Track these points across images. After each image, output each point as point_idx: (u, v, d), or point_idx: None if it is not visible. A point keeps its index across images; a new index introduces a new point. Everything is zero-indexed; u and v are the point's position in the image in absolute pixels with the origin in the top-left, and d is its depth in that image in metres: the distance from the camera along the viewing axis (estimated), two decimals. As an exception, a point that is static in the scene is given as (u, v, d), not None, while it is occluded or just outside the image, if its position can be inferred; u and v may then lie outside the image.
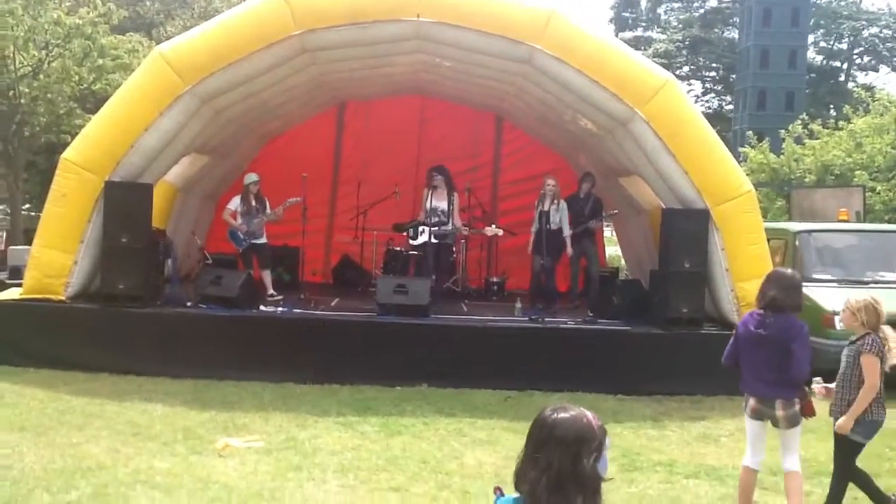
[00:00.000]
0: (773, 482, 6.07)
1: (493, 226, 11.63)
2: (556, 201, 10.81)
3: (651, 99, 8.90)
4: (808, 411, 5.24)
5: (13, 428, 6.64)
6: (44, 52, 17.94)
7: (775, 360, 5.13)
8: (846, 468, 5.31)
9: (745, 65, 54.84)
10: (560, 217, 10.76)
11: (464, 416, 7.51)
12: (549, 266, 10.84)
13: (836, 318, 9.17)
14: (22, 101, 17.99)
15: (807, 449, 6.90)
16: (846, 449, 5.27)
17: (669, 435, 7.31)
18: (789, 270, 5.58)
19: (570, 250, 10.93)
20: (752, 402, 5.34)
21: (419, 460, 6.25)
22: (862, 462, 6.52)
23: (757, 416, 5.34)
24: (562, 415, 2.31)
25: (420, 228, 11.13)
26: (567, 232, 10.83)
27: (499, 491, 2.47)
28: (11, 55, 17.51)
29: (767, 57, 53.93)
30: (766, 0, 53.84)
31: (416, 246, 11.26)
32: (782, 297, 5.13)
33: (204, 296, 9.45)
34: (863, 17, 55.23)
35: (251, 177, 10.78)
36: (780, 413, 5.22)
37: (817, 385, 5.35)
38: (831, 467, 6.35)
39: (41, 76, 17.96)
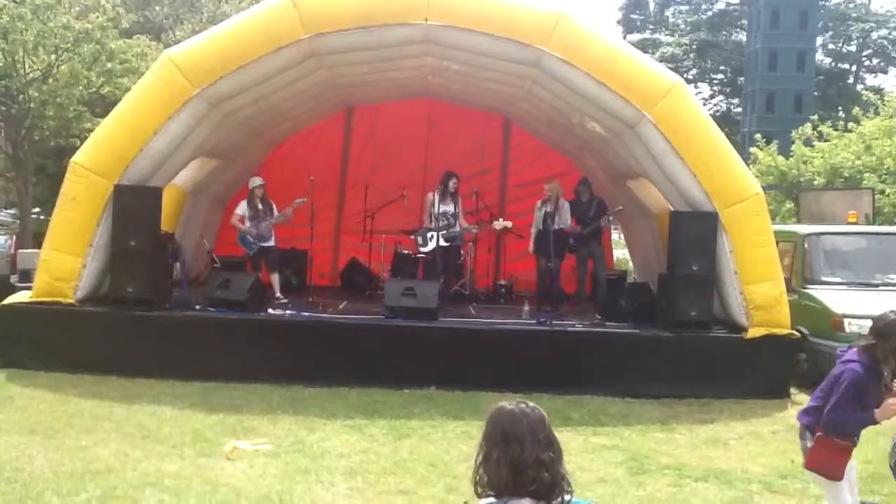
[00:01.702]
0: (781, 485, 6.06)
1: (501, 219, 11.66)
2: (559, 203, 10.89)
3: (659, 102, 8.89)
4: (809, 460, 4.49)
5: (23, 431, 6.67)
6: (53, 57, 17.99)
7: (824, 388, 4.49)
8: None
9: (754, 67, 54.72)
10: (565, 218, 10.87)
11: (472, 419, 7.50)
12: (555, 268, 10.86)
13: (846, 322, 9.16)
14: (31, 105, 18.05)
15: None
16: None
17: (678, 438, 7.29)
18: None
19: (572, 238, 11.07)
20: None
21: (427, 463, 6.25)
22: (871, 465, 6.53)
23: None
24: (528, 404, 2.59)
25: (430, 234, 11.13)
26: (568, 223, 10.94)
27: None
28: (21, 60, 17.59)
29: (776, 59, 53.80)
30: (774, 2, 53.71)
31: (425, 251, 11.28)
32: (878, 341, 4.42)
33: (212, 299, 9.47)
34: (871, 20, 55.03)
35: (256, 180, 10.80)
36: (807, 444, 4.57)
37: None
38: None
39: (50, 80, 18.03)
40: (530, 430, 2.53)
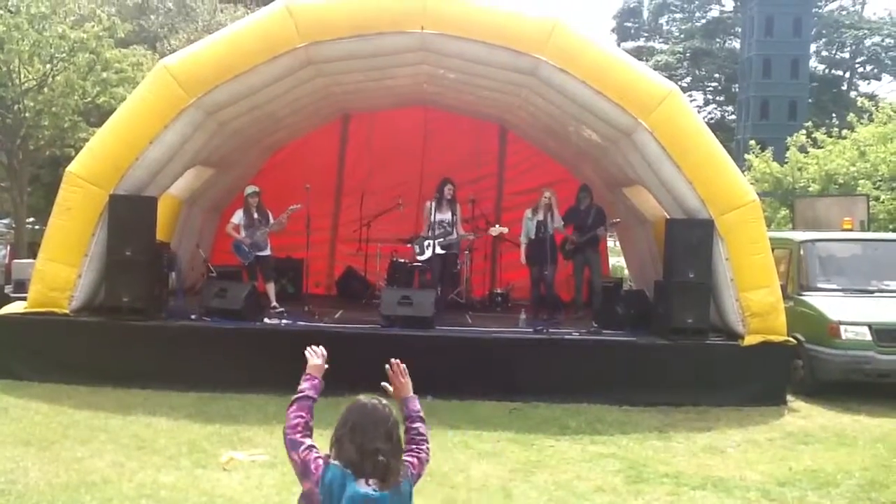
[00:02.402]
0: (779, 493, 6.04)
1: (497, 225, 11.65)
2: (551, 211, 10.85)
3: (655, 109, 8.90)
4: None
5: (18, 442, 6.64)
6: (49, 66, 17.98)
7: None
8: None
9: (748, 74, 54.89)
10: (555, 226, 10.83)
11: (469, 429, 7.49)
12: (550, 275, 10.83)
13: (842, 328, 9.16)
14: (26, 114, 18.04)
15: (814, 460, 6.89)
16: None
17: (675, 446, 7.28)
18: None
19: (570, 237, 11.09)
20: None
21: (424, 473, 6.21)
22: (869, 472, 6.53)
23: None
24: (381, 402, 3.09)
25: (426, 243, 11.12)
26: (559, 224, 10.89)
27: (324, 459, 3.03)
28: (17, 69, 17.58)
29: (770, 66, 53.97)
30: (767, 9, 53.90)
31: (422, 259, 11.26)
32: None
33: (208, 308, 9.45)
34: (864, 27, 55.29)
35: (249, 188, 10.78)
36: None
37: None
38: (839, 478, 6.36)
39: (46, 90, 18.01)
40: (373, 423, 2.99)
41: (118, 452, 6.45)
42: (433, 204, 11.24)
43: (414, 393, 8.83)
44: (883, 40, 55.15)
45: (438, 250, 11.09)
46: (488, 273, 13.55)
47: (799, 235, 10.96)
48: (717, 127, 51.72)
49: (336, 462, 2.97)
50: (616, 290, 12.25)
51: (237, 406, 8.02)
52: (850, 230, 11.97)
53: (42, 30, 17.12)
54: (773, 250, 9.30)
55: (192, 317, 9.44)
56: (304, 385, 3.36)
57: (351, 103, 12.47)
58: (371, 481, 2.91)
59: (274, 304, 10.45)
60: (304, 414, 3.22)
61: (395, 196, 12.61)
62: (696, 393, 8.74)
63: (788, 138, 24.81)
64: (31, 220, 21.09)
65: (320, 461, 3.01)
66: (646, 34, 63.60)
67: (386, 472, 2.94)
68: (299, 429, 3.16)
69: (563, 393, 8.61)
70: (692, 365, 8.89)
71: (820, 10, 57.56)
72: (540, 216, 10.85)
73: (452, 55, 9.51)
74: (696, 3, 61.47)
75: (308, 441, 3.10)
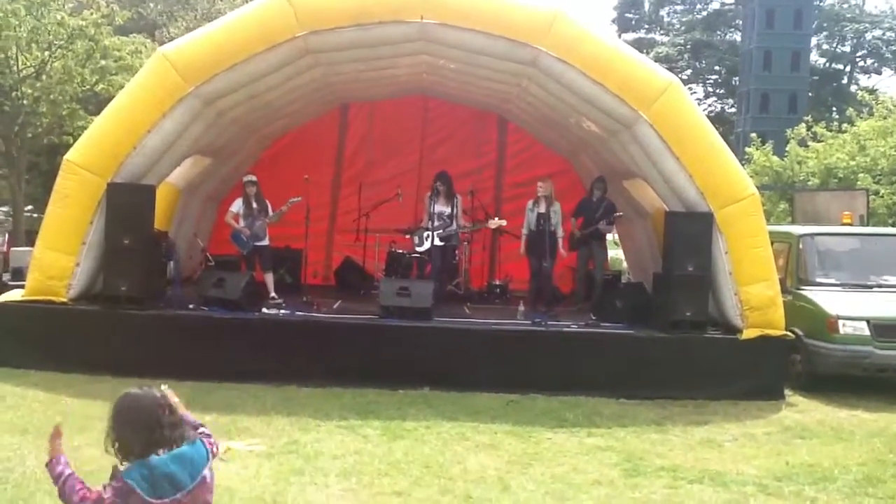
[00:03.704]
0: (776, 487, 6.04)
1: (497, 218, 11.59)
2: (552, 203, 10.75)
3: (655, 101, 8.87)
4: None
5: (15, 430, 6.63)
6: (47, 53, 17.95)
7: None
8: None
9: (748, 67, 54.81)
10: (556, 220, 10.72)
11: (466, 420, 7.48)
12: (549, 267, 10.77)
13: (841, 323, 9.16)
14: (24, 102, 18.00)
15: (811, 454, 6.89)
16: None
17: (673, 439, 7.27)
18: None
19: (563, 252, 10.93)
20: None
21: (422, 464, 6.22)
22: (866, 467, 6.53)
23: None
24: (144, 388, 3.18)
25: (425, 234, 11.08)
26: (560, 234, 10.81)
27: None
28: (14, 56, 17.53)
29: (770, 59, 53.90)
30: (768, 2, 53.80)
31: (421, 251, 11.23)
32: None
33: (206, 298, 9.43)
34: (866, 20, 55.18)
35: (248, 177, 10.74)
36: None
37: None
38: (836, 472, 6.36)
39: (44, 77, 17.98)
40: (154, 405, 3.09)
41: (115, 441, 6.43)
42: (431, 197, 11.20)
43: (412, 384, 8.86)
44: (884, 34, 55.03)
45: (437, 242, 11.06)
46: (487, 264, 13.52)
47: (798, 229, 10.95)
48: (718, 120, 51.71)
49: (126, 464, 3.02)
50: (615, 283, 12.21)
51: (235, 396, 8.01)
52: (850, 224, 11.95)
53: (40, 16, 17.09)
54: (772, 244, 9.29)
55: (191, 306, 9.42)
56: (57, 470, 3.16)
57: (350, 93, 12.42)
58: (164, 451, 3.02)
59: (273, 294, 10.43)
60: (77, 487, 3.10)
61: (394, 186, 12.57)
62: (693, 386, 8.73)
63: (788, 132, 24.80)
64: (29, 208, 21.06)
65: (111, 485, 3.03)
66: (646, 26, 63.43)
67: (177, 440, 3.07)
68: (85, 496, 3.07)
69: (560, 385, 8.61)
70: (690, 358, 8.89)
71: (821, 3, 57.43)
72: (541, 208, 10.75)
73: (452, 45, 9.47)
74: (698, -6, 61.28)
75: (94, 492, 3.06)
